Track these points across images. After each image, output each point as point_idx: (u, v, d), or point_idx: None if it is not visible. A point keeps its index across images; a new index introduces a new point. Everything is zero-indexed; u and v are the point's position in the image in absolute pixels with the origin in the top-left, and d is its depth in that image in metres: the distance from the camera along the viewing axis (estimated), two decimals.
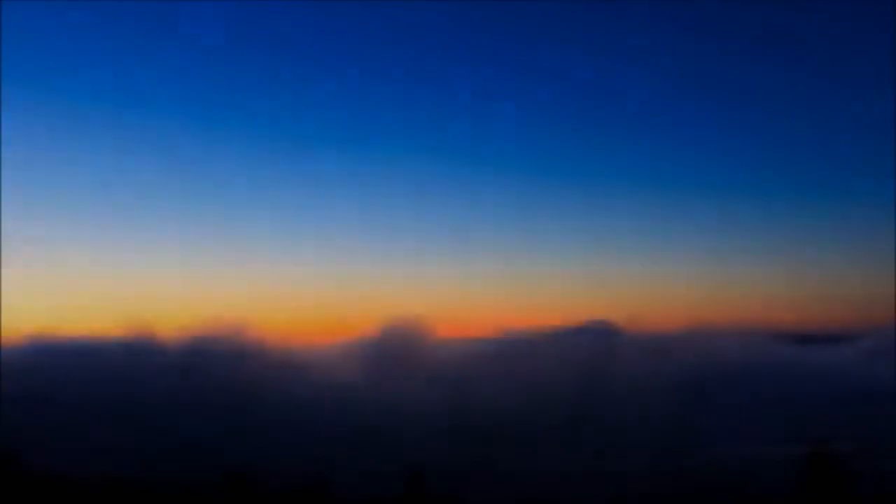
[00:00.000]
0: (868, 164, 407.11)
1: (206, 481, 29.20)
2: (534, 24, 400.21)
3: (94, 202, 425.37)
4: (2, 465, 30.88)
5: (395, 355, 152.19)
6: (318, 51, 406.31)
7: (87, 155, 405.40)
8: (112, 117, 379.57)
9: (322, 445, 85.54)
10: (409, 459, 30.82)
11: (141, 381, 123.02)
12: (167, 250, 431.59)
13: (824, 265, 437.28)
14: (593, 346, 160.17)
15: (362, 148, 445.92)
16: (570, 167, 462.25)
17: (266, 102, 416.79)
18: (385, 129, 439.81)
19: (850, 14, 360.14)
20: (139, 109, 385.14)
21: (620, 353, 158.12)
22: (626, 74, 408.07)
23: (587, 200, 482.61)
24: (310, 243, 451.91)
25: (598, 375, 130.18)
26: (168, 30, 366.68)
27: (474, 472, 69.02)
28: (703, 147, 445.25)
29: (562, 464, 75.91)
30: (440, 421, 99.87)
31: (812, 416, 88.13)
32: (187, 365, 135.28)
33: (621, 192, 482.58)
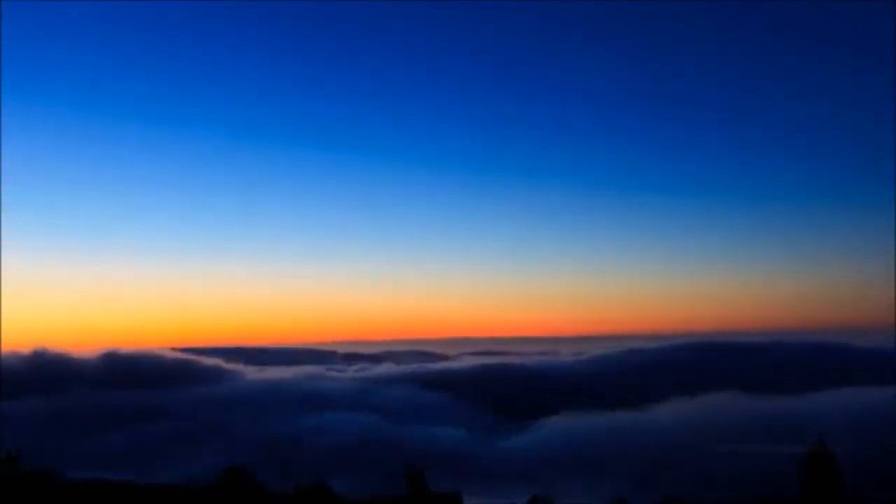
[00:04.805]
0: (868, 166, 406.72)
1: (205, 481, 29.21)
2: (531, 31, 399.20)
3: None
4: (2, 466, 30.89)
5: None
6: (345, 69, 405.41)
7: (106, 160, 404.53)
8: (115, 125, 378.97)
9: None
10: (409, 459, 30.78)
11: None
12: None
13: (825, 267, 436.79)
14: None
15: (364, 157, 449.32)
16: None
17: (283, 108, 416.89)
18: (390, 142, 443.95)
19: (849, 16, 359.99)
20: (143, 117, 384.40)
21: None
22: (624, 77, 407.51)
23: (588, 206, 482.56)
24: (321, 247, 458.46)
25: None
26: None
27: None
28: (702, 152, 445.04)
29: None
30: None
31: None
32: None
33: (623, 197, 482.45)
